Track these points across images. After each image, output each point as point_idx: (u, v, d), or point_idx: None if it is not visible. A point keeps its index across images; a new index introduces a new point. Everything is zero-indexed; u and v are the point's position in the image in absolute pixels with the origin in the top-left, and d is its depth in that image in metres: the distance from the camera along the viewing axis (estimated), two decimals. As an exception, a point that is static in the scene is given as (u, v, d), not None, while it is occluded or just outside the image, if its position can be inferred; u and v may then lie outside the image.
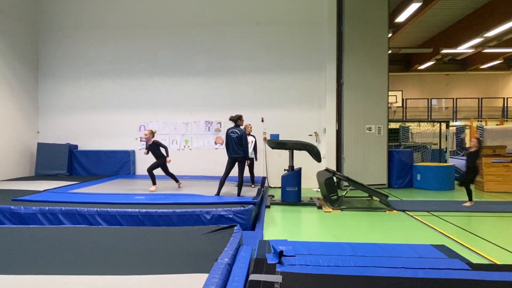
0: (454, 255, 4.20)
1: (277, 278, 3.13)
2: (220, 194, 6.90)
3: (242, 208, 5.48)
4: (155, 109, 10.54)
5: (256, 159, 8.57)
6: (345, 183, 8.32)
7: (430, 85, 22.88)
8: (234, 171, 7.06)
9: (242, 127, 7.11)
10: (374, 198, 7.99)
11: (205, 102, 10.48)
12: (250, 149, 8.24)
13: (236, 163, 7.00)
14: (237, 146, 6.87)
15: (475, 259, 4.22)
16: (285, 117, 10.31)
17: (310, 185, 9.96)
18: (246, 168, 8.17)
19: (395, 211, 6.92)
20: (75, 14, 10.63)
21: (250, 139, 8.31)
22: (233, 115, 7.13)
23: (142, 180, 9.27)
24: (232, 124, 7.11)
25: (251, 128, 8.51)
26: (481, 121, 20.84)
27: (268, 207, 7.36)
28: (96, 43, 10.63)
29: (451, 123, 15.56)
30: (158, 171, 7.65)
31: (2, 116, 9.34)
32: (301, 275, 3.29)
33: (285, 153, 8.68)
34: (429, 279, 3.22)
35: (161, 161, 7.59)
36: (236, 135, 6.90)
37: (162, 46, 10.52)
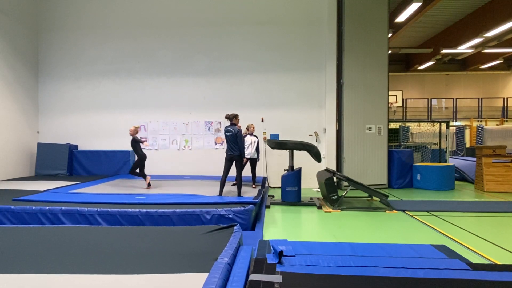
0: (454, 255, 4.20)
1: (277, 278, 3.13)
2: (222, 194, 6.91)
3: (242, 208, 5.47)
4: (155, 109, 10.54)
5: (258, 159, 8.56)
6: (345, 183, 8.32)
7: (430, 85, 22.89)
8: (234, 170, 7.06)
9: (237, 126, 7.09)
10: (374, 198, 7.99)
11: (205, 102, 10.49)
12: (252, 150, 8.23)
13: (234, 162, 7.01)
14: (232, 145, 6.89)
15: (475, 259, 4.22)
16: (285, 117, 10.31)
17: (310, 185, 9.96)
18: (247, 167, 8.20)
19: (395, 211, 6.92)
20: (75, 14, 10.64)
21: (252, 139, 8.31)
22: (229, 114, 7.15)
23: (142, 180, 9.24)
24: (228, 122, 7.14)
25: (253, 128, 8.50)
26: (481, 121, 20.86)
27: (268, 207, 7.36)
28: (96, 43, 10.63)
29: (451, 123, 15.57)
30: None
31: (2, 116, 9.34)
32: (301, 275, 3.29)
33: (285, 153, 8.68)
34: (429, 279, 3.21)
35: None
36: (231, 133, 6.90)
37: (162, 46, 10.53)
